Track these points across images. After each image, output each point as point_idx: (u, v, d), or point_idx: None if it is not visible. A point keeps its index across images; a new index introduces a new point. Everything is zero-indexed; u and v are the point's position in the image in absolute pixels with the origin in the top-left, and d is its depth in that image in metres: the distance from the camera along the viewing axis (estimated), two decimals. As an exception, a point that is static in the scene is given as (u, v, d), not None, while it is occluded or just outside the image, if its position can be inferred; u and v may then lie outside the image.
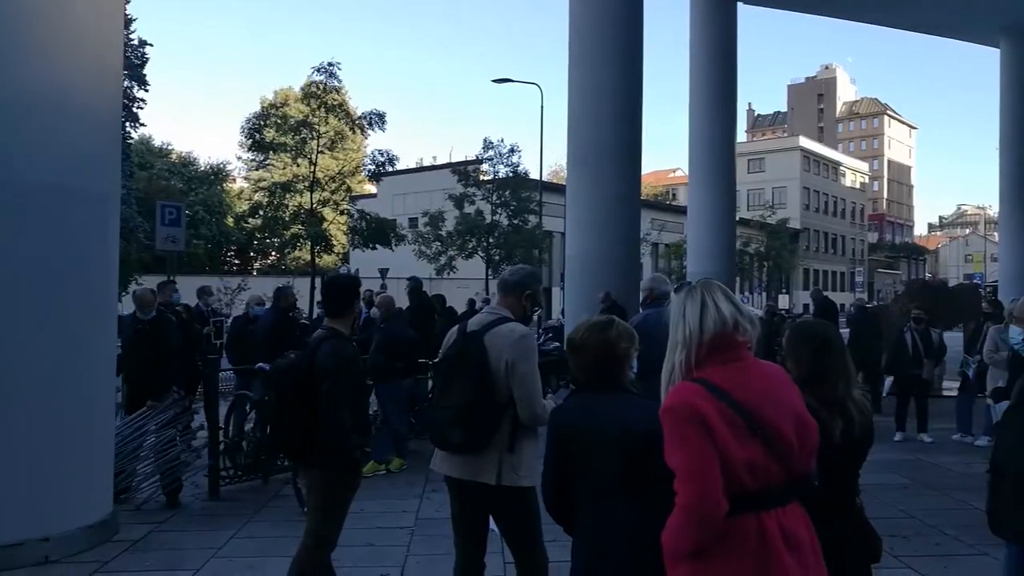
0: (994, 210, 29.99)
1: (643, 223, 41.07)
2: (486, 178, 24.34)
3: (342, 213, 18.63)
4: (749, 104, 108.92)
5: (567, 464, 2.60)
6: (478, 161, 24.62)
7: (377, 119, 18.10)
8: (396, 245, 18.65)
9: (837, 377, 2.56)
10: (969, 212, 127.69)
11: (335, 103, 17.77)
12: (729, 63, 19.08)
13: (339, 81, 17.77)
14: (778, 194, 67.90)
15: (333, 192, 18.20)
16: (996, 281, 28.48)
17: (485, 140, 22.04)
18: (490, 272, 21.75)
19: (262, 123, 17.44)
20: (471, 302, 14.26)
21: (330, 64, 17.53)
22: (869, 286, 68.41)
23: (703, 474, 1.98)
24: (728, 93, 18.94)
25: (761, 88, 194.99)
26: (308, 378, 3.52)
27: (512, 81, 24.65)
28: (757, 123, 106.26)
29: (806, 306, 43.91)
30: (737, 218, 54.36)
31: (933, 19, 22.86)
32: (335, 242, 23.04)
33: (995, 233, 37.11)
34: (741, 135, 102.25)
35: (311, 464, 3.63)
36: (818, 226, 70.88)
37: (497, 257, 21.93)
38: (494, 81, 24.88)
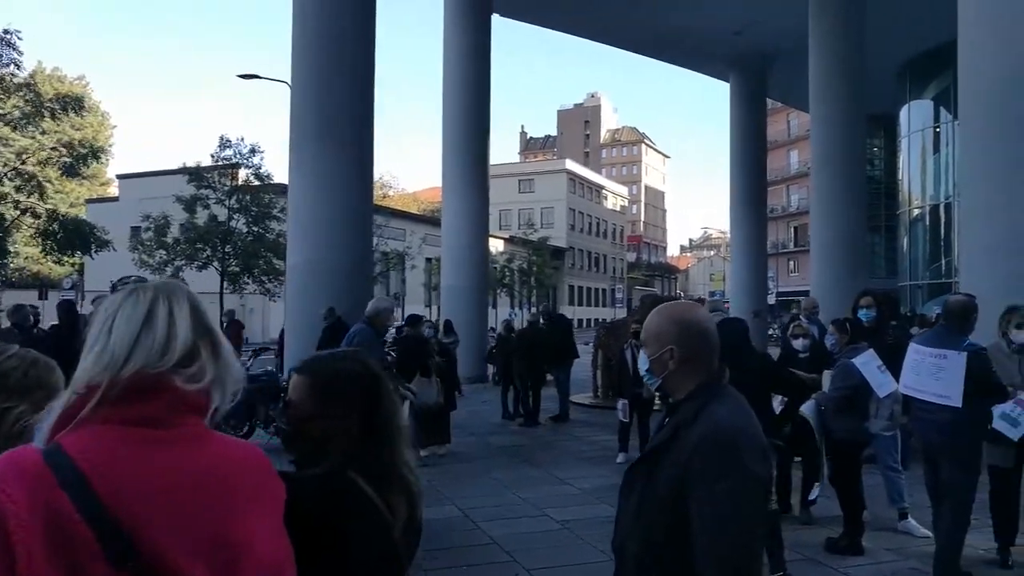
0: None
1: (411, 238, 40.10)
2: (236, 182, 22.08)
3: (24, 212, 15.43)
4: (522, 127, 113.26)
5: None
6: (233, 165, 22.30)
7: (73, 103, 15.33)
8: (97, 252, 15.85)
9: (392, 436, 1.62)
10: (713, 236, 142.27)
11: (22, 82, 14.76)
12: (483, 74, 18.76)
13: (20, 53, 14.71)
14: (546, 214, 70.72)
15: (19, 188, 15.04)
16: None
17: (222, 138, 19.76)
18: (226, 285, 19.58)
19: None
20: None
21: (6, 31, 14.41)
22: (628, 302, 73.20)
23: None
24: (481, 102, 18.59)
25: (535, 112, 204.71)
26: None
27: (259, 78, 22.78)
28: (529, 145, 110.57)
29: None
30: (509, 236, 55.19)
31: (673, 51, 24.31)
32: (18, 248, 19.40)
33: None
34: (515, 156, 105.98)
35: None
36: (583, 245, 74.66)
37: (237, 268, 19.77)
38: (240, 76, 22.85)
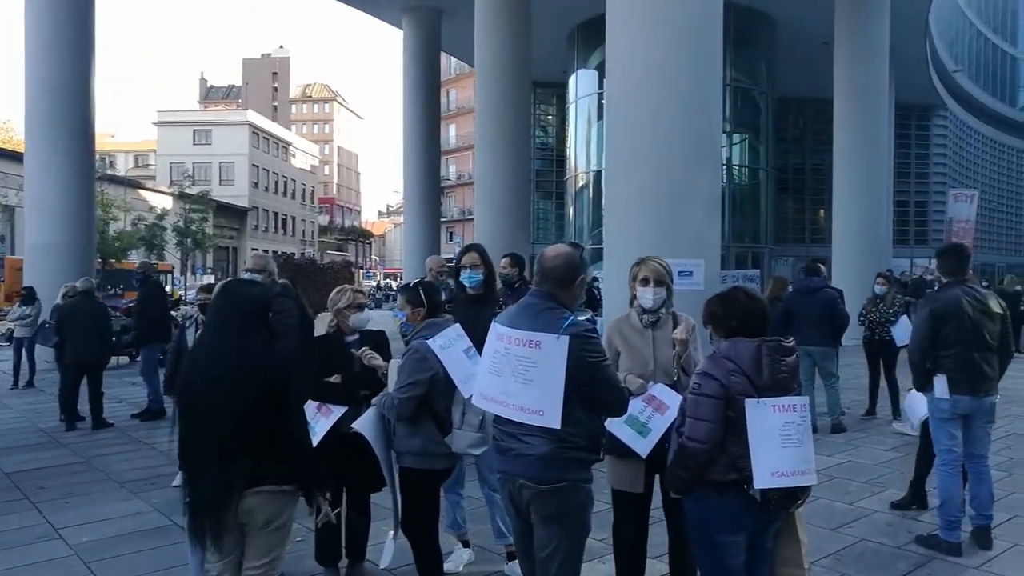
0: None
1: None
2: None
3: None
4: (202, 74, 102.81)
5: None
6: None
7: None
8: None
9: None
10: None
11: None
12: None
13: None
14: (226, 169, 64.55)
15: None
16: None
17: None
18: None
19: None
20: None
21: None
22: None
23: None
24: (80, 31, 14.69)
25: (218, 60, 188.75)
26: None
27: None
28: (210, 94, 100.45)
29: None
30: (178, 192, 48.61)
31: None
32: None
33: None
34: (193, 104, 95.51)
35: None
36: (268, 205, 69.44)
37: None
38: None
